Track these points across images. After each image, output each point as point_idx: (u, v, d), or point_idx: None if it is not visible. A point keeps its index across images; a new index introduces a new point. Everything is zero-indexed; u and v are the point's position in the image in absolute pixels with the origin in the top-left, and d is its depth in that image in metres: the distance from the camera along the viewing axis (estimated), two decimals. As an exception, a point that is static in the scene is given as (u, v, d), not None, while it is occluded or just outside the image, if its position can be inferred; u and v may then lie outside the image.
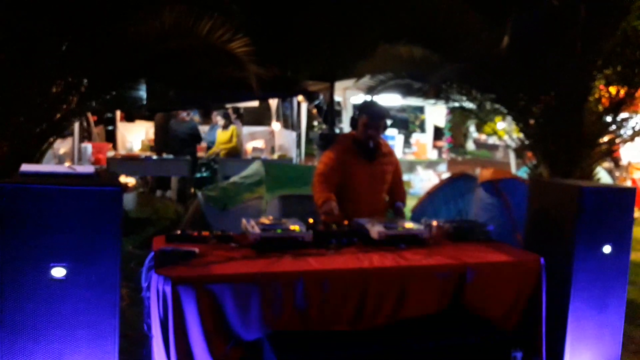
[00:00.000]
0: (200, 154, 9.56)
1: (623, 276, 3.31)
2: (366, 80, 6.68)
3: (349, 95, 10.19)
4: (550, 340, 3.12)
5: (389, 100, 9.63)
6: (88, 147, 8.55)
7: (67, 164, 7.47)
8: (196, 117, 10.32)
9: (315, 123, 14.36)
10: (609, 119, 5.28)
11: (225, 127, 9.50)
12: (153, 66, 5.21)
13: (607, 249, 3.22)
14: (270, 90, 7.83)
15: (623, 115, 5.47)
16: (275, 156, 10.08)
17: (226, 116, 9.68)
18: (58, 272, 2.18)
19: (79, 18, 4.49)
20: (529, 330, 3.06)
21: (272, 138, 11.48)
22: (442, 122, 12.86)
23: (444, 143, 13.37)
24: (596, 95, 5.26)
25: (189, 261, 2.64)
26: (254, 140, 10.71)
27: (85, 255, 2.22)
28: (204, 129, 10.30)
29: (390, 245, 3.09)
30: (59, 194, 2.19)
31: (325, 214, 3.46)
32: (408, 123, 16.80)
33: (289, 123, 11.20)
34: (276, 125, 11.53)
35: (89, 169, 2.69)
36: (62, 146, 8.69)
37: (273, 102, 11.62)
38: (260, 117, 14.03)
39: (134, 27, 4.57)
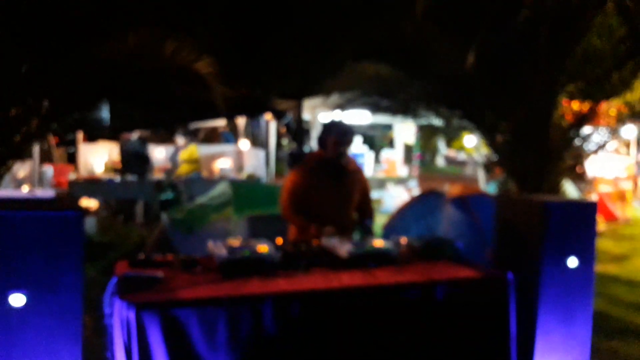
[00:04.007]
0: (158, 175, 9.46)
1: (589, 288, 3.36)
2: (335, 98, 6.73)
3: (318, 113, 10.23)
4: (519, 354, 3.12)
5: (358, 117, 9.72)
6: (49, 169, 8.35)
7: (26, 187, 7.26)
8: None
9: (285, 142, 14.35)
10: (573, 133, 5.41)
11: (184, 146, 9.44)
12: (117, 87, 5.14)
13: (572, 262, 3.26)
14: (237, 109, 7.80)
15: (587, 130, 5.63)
16: (244, 176, 10.00)
17: (186, 134, 9.64)
18: (17, 300, 2.13)
19: (40, 39, 4.42)
20: (498, 346, 3.05)
21: (240, 157, 11.40)
22: (411, 139, 13.01)
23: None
24: (560, 111, 5.40)
25: (153, 286, 2.57)
26: (221, 159, 10.58)
27: (46, 283, 2.18)
28: (169, 150, 10.18)
29: (359, 264, 3.07)
30: (18, 220, 2.15)
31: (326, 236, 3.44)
32: (374, 139, 16.94)
33: (258, 142, 11.16)
34: (244, 145, 11.45)
35: (49, 193, 2.64)
36: (21, 169, 8.45)
37: (241, 121, 11.57)
38: (215, 136, 13.90)
39: (97, 49, 4.51)
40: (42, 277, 2.17)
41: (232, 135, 11.91)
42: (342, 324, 2.67)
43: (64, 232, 2.20)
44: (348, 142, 3.70)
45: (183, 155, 9.43)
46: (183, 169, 9.29)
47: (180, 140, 9.49)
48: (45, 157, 10.18)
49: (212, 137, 13.57)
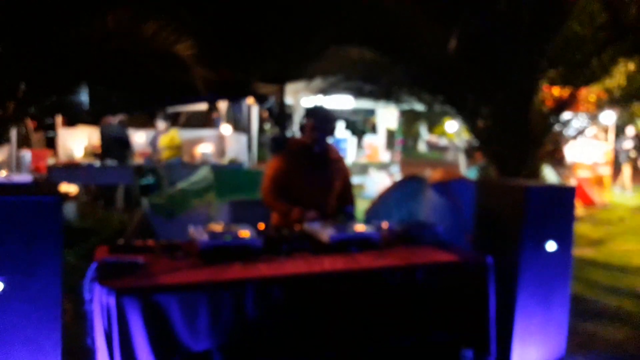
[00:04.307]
0: (139, 159, 9.36)
1: (567, 272, 3.43)
2: (317, 82, 6.69)
3: (300, 97, 10.17)
4: (499, 336, 3.17)
5: (341, 102, 9.68)
6: (27, 154, 8.20)
7: (3, 172, 7.13)
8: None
9: (267, 126, 14.28)
10: (553, 119, 5.46)
11: (165, 130, 9.33)
12: (96, 69, 5.06)
13: (551, 246, 3.32)
14: (219, 92, 7.72)
15: (567, 115, 5.69)
16: (226, 161, 9.94)
17: (166, 119, 9.53)
18: None
19: (16, 21, 4.31)
20: (478, 329, 3.10)
21: (222, 142, 11.31)
22: (394, 125, 13.02)
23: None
24: (541, 97, 5.44)
25: (133, 272, 2.56)
26: (202, 144, 10.50)
27: (23, 268, 2.17)
28: (149, 134, 10.06)
29: (341, 248, 3.08)
30: None
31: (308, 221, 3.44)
32: (356, 124, 16.94)
33: (240, 126, 11.08)
34: (226, 129, 11.35)
35: (26, 178, 2.60)
36: (-2, 154, 8.31)
37: (223, 105, 11.45)
38: (210, 121, 13.83)
39: (75, 29, 4.42)
40: (20, 263, 2.16)
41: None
42: (323, 308, 2.68)
43: (42, 217, 2.18)
44: (328, 129, 3.69)
45: (164, 140, 9.32)
46: (164, 155, 9.20)
47: (160, 124, 9.36)
48: (24, 142, 10.01)
49: (202, 121, 13.50)
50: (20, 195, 2.19)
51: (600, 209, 10.36)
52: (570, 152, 10.35)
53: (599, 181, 11.01)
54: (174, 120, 11.00)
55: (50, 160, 8.70)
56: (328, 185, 3.78)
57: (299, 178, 3.66)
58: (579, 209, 9.34)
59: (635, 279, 5.84)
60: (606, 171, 11.38)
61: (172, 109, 10.68)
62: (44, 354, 2.20)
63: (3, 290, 2.13)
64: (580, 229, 8.25)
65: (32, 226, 2.17)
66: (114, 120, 9.10)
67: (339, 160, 3.91)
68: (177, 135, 9.41)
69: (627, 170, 12.41)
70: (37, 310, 2.19)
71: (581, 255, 6.72)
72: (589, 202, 10.41)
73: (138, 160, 9.40)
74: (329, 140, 3.77)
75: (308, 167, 3.69)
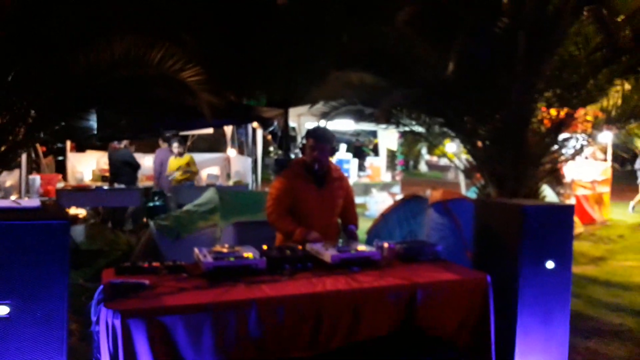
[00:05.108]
0: (148, 182, 9.46)
1: (566, 290, 3.44)
2: (319, 106, 6.80)
3: (304, 121, 10.31)
4: (500, 354, 3.18)
5: (343, 125, 9.79)
6: (36, 178, 8.30)
7: (13, 197, 7.24)
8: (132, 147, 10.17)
9: (271, 149, 14.41)
10: (551, 139, 5.52)
11: (180, 154, 9.41)
12: (104, 95, 5.16)
13: (550, 264, 3.35)
14: (224, 117, 7.84)
15: (564, 135, 5.75)
16: (231, 182, 10.04)
17: (181, 142, 9.61)
18: (1, 310, 2.12)
19: (26, 47, 4.43)
20: (479, 346, 3.11)
21: (228, 164, 11.44)
22: (394, 146, 13.16)
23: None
24: (539, 117, 5.51)
25: (139, 293, 2.58)
26: (209, 167, 10.64)
27: (30, 292, 2.16)
28: (161, 155, 10.14)
29: (343, 268, 3.12)
30: (2, 228, 2.14)
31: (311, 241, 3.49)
32: (362, 148, 17.07)
33: (244, 149, 11.20)
34: (232, 152, 11.52)
35: (34, 202, 2.63)
36: (8, 178, 8.42)
37: (228, 129, 11.60)
38: (215, 144, 13.99)
39: (84, 57, 4.54)
40: (27, 286, 2.15)
41: None
42: (325, 327, 2.71)
43: (49, 241, 2.18)
44: (327, 148, 3.74)
45: (178, 163, 9.35)
46: (178, 177, 9.28)
47: (175, 147, 9.41)
48: (33, 167, 10.15)
49: (208, 144, 13.60)
50: (28, 218, 2.19)
51: (600, 227, 10.35)
52: (569, 170, 10.37)
53: (598, 199, 11.01)
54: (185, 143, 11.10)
55: (60, 184, 8.81)
56: (331, 204, 3.82)
57: (302, 197, 3.72)
58: (579, 227, 9.34)
59: (636, 296, 5.84)
60: (606, 189, 11.38)
61: (181, 133, 10.80)
62: (50, 376, 2.17)
63: (9, 313, 2.12)
64: (581, 246, 8.26)
65: (39, 250, 2.17)
66: (119, 145, 9.26)
67: (342, 178, 3.95)
68: (194, 162, 9.49)
69: None
70: (42, 332, 2.17)
71: (582, 273, 6.72)
72: (588, 220, 10.40)
73: (146, 183, 9.53)
74: (330, 159, 3.82)
75: (310, 186, 3.75)
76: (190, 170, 9.29)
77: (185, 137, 11.92)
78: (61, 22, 4.52)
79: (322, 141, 3.73)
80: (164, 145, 9.52)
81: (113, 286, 2.59)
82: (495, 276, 3.15)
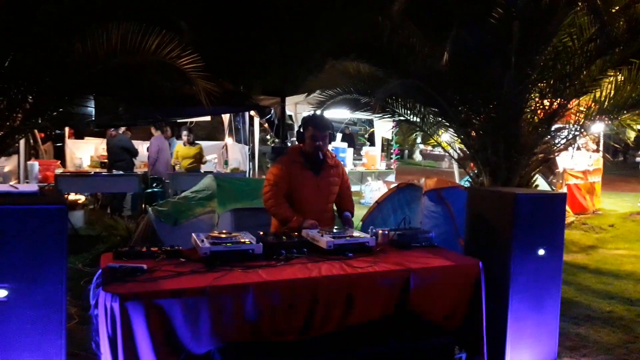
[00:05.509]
0: (145, 169, 9.51)
1: (557, 277, 3.50)
2: (316, 95, 6.82)
3: (300, 109, 10.35)
4: (491, 340, 3.25)
5: (339, 113, 9.82)
6: (35, 164, 8.32)
7: (12, 182, 7.27)
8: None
9: (268, 137, 14.43)
10: (544, 129, 5.56)
11: (191, 143, 9.46)
12: (101, 82, 5.16)
13: (541, 251, 3.40)
14: (222, 105, 7.86)
15: (557, 125, 5.79)
16: (228, 170, 10.08)
17: (191, 131, 9.70)
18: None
19: (23, 33, 4.43)
20: (471, 332, 3.18)
21: (225, 152, 11.49)
22: (389, 135, 13.23)
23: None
24: (532, 107, 5.54)
25: (137, 277, 2.62)
26: (206, 155, 10.67)
27: (28, 275, 2.18)
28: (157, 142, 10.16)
29: (338, 254, 3.17)
30: (0, 213, 2.16)
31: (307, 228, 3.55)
32: (354, 137, 17.10)
33: (242, 137, 11.24)
34: (229, 140, 11.57)
35: (32, 187, 2.65)
36: (7, 164, 8.45)
37: (226, 117, 11.63)
38: (212, 132, 14.01)
39: (81, 43, 4.54)
40: (25, 270, 2.17)
41: None
42: (320, 311, 2.76)
43: (47, 225, 2.20)
44: (325, 136, 3.78)
45: (189, 151, 9.41)
46: (184, 164, 9.36)
47: (185, 136, 9.47)
48: (32, 153, 10.18)
49: (206, 132, 13.61)
50: (26, 203, 2.20)
51: (591, 216, 10.44)
52: (562, 160, 10.43)
53: (590, 188, 11.09)
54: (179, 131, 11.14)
55: (58, 170, 8.84)
56: (327, 190, 3.87)
57: (298, 183, 3.76)
58: (570, 216, 9.43)
59: (626, 284, 5.92)
60: (597, 179, 11.45)
61: (179, 120, 10.83)
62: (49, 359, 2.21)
63: (8, 296, 2.14)
64: (572, 235, 8.35)
65: (38, 234, 2.18)
66: (116, 132, 9.29)
67: (337, 166, 3.99)
68: (203, 151, 9.58)
69: None
70: (41, 316, 2.19)
71: (573, 261, 6.81)
72: (580, 209, 10.49)
73: (144, 170, 9.57)
74: (326, 146, 3.86)
75: (306, 172, 3.79)
76: (201, 159, 9.40)
77: (183, 125, 11.93)
78: (57, 9, 4.52)
79: (322, 129, 3.77)
80: (157, 133, 9.54)
81: (112, 270, 2.63)
82: (487, 263, 3.21)
